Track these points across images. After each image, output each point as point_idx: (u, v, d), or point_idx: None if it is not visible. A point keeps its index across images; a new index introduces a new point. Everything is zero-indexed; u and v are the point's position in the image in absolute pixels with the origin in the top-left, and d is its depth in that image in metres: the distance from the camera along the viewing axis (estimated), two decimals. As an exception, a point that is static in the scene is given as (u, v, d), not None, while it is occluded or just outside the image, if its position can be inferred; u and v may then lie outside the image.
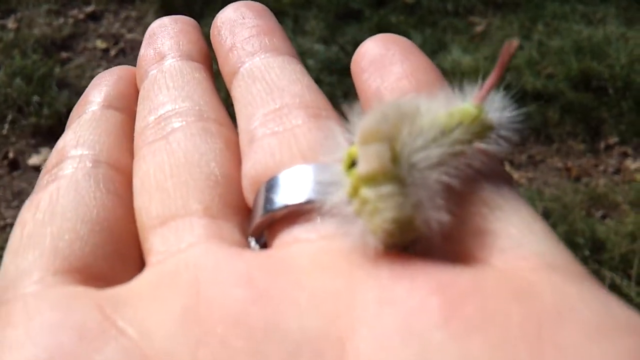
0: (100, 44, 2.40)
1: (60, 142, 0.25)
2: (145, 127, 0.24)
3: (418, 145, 0.19)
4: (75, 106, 0.28)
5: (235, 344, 0.16)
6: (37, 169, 1.89)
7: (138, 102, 0.27)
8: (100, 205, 0.22)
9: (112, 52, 2.37)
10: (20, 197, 1.81)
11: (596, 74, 2.17)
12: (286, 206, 0.20)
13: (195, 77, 0.26)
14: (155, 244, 0.20)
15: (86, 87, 0.31)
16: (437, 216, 0.17)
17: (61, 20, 2.47)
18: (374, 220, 0.17)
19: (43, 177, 0.24)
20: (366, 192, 0.17)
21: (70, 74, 2.22)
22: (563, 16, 2.51)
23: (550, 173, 1.95)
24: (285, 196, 0.20)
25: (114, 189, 0.23)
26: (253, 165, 0.21)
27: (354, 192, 0.18)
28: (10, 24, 2.42)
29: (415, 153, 0.18)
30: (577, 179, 1.92)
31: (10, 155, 1.91)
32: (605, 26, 2.44)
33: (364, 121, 0.19)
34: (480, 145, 0.20)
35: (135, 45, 2.41)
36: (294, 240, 0.19)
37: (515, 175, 1.93)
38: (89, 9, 2.54)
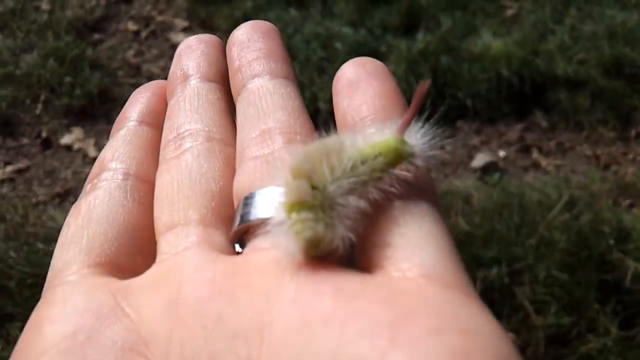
0: (131, 25, 2.43)
1: (102, 155, 0.32)
2: (167, 144, 0.31)
3: (335, 177, 0.23)
4: (117, 120, 0.34)
5: (195, 329, 0.22)
6: (69, 149, 1.94)
7: (165, 119, 0.33)
8: (127, 212, 0.28)
9: (143, 34, 2.40)
10: (52, 175, 1.85)
11: (629, 60, 2.12)
12: (253, 220, 0.25)
13: (210, 99, 0.32)
14: (162, 246, 0.27)
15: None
16: (346, 234, 0.23)
17: (93, 2, 2.50)
18: (297, 238, 0.22)
19: (87, 185, 0.30)
20: (293, 215, 0.23)
21: (102, 56, 2.26)
22: (596, 0, 2.46)
23: (579, 161, 1.93)
24: (254, 212, 0.25)
25: (139, 198, 0.29)
26: (237, 184, 0.28)
27: (288, 214, 0.23)
28: (44, 5, 2.47)
29: (330, 184, 0.23)
30: (606, 167, 1.90)
31: (43, 134, 1.96)
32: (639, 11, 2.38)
33: (292, 161, 0.24)
34: (400, 170, 0.24)
35: (166, 28, 2.44)
36: (254, 249, 0.25)
37: (543, 162, 1.91)
38: (121, -10, 2.57)
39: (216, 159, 0.29)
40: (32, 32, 2.31)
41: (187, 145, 0.30)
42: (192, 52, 0.35)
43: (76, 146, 1.93)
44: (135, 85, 2.15)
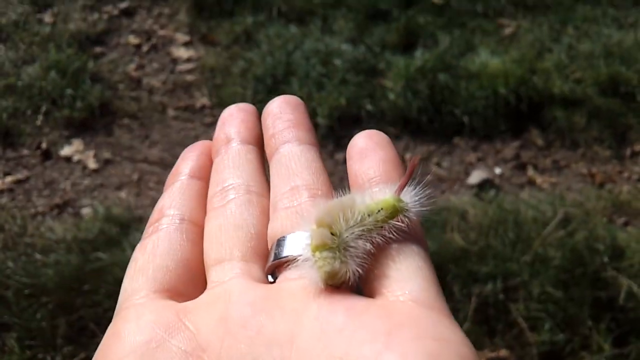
0: (132, 39, 2.46)
1: (160, 203, 0.39)
2: (213, 195, 0.39)
3: (348, 226, 0.32)
4: (170, 174, 0.42)
5: (241, 338, 0.29)
6: (68, 160, 1.95)
7: (211, 174, 0.41)
8: (183, 250, 0.35)
9: (145, 48, 2.42)
10: (51, 186, 1.87)
11: (625, 80, 2.14)
12: (284, 257, 0.33)
13: (248, 158, 0.40)
14: (212, 276, 0.34)
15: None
16: (356, 268, 0.31)
17: (96, 15, 2.53)
18: (319, 272, 0.30)
19: (148, 228, 0.38)
20: (316, 254, 0.31)
21: (104, 69, 2.28)
22: (594, 19, 2.49)
23: (574, 178, 1.95)
24: (285, 251, 0.33)
25: (192, 238, 0.36)
26: (271, 229, 0.35)
27: (312, 253, 0.31)
28: (47, 18, 2.49)
29: (345, 232, 0.32)
30: (601, 185, 1.91)
31: (44, 145, 1.98)
32: (636, 31, 2.41)
33: (317, 214, 0.32)
34: (397, 221, 0.33)
35: (167, 42, 2.46)
36: (285, 279, 0.33)
37: (539, 179, 1.93)
38: (123, 5, 2.60)
39: (254, 208, 0.37)
40: (34, 44, 2.33)
41: (231, 196, 0.38)
42: (233, 120, 0.43)
43: (76, 158, 1.95)
44: (136, 98, 2.17)
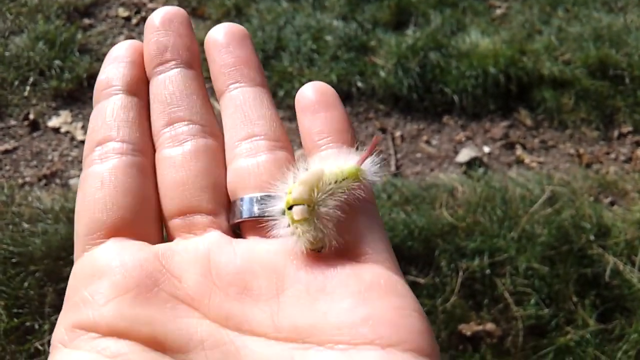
0: (122, 12, 2.43)
1: (99, 121, 0.37)
2: (162, 131, 0.37)
3: (322, 188, 0.36)
4: (99, 83, 0.38)
5: (230, 294, 0.32)
6: (56, 131, 1.93)
7: (151, 100, 0.38)
8: (139, 185, 0.36)
9: (134, 21, 2.40)
10: (39, 157, 1.85)
11: (613, 62, 2.16)
12: (259, 216, 0.35)
13: (194, 89, 0.38)
14: (179, 226, 0.35)
15: (106, 53, 0.39)
16: (333, 237, 0.35)
17: (85, -14, 2.50)
18: (302, 239, 0.34)
19: (92, 152, 0.36)
20: (298, 225, 0.34)
21: (92, 41, 2.25)
22: (584, 3, 2.50)
23: (562, 158, 1.96)
24: (252, 210, 0.35)
25: (144, 171, 0.36)
26: (231, 182, 0.36)
27: (293, 223, 0.35)
28: (35, -12, 2.46)
29: (319, 192, 0.35)
30: (588, 165, 1.93)
31: (31, 116, 1.96)
32: (626, 14, 2.42)
33: (300, 177, 0.36)
34: (357, 184, 0.37)
35: (157, 15, 2.44)
36: (262, 240, 0.35)
37: (527, 158, 1.94)
38: (113, -24, 2.57)
39: (212, 154, 0.37)
40: (22, 14, 2.30)
41: (186, 140, 0.37)
42: (171, 31, 0.39)
43: (64, 129, 1.93)
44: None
